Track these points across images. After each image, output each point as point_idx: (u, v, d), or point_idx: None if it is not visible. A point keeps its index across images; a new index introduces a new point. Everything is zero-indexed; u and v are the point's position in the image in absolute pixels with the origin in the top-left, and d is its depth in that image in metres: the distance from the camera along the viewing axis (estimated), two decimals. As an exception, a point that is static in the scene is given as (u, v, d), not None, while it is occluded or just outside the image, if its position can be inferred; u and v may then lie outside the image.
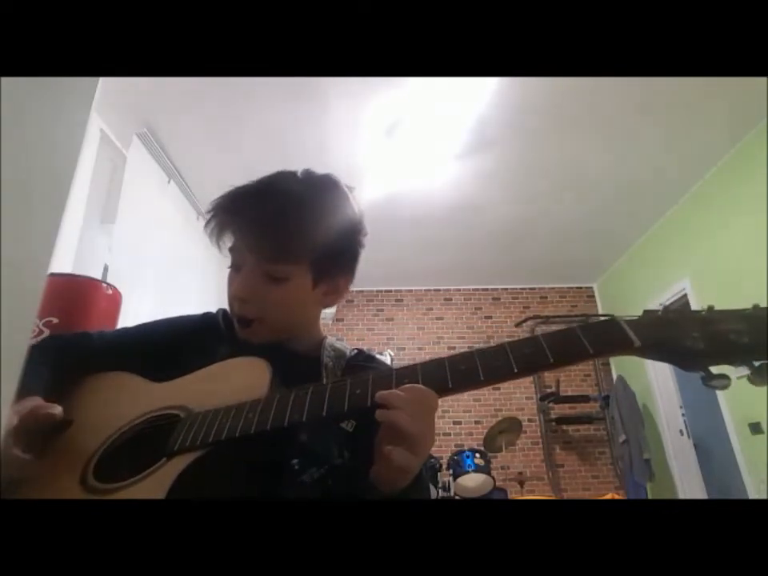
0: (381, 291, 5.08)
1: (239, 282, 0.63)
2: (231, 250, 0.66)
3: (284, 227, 0.61)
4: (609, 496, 3.85)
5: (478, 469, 3.38)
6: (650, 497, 3.90)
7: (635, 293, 4.23)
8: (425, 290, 5.10)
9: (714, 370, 0.44)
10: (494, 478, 3.40)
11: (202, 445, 0.50)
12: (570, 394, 4.60)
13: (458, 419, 4.59)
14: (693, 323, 0.44)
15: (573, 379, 4.75)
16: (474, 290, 5.11)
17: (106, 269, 2.51)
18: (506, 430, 3.66)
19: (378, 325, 4.99)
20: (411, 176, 3.28)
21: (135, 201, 2.64)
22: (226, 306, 0.71)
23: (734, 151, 3.06)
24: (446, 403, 4.59)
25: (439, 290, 5.10)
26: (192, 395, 0.58)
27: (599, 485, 4.43)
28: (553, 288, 5.13)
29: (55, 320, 1.47)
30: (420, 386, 0.47)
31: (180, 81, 2.35)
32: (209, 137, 2.85)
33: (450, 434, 4.53)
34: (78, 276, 1.84)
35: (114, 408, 0.62)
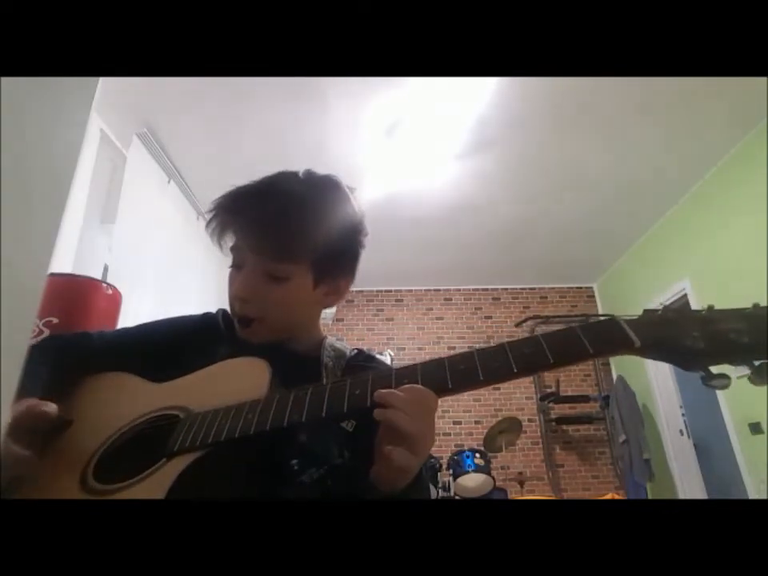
0: (381, 291, 5.08)
1: (240, 281, 0.63)
2: (232, 249, 0.66)
3: (285, 227, 0.61)
4: (609, 496, 3.85)
5: (478, 469, 3.38)
6: (650, 497, 3.90)
7: (635, 293, 4.23)
8: (425, 290, 5.10)
9: (714, 369, 0.43)
10: (494, 478, 3.40)
11: (201, 445, 0.50)
12: (569, 394, 4.60)
13: (458, 419, 4.59)
14: (693, 323, 0.44)
15: (573, 379, 4.75)
16: (473, 289, 5.11)
17: (105, 269, 2.51)
18: (505, 430, 3.66)
19: (378, 325, 4.99)
20: (411, 176, 3.28)
21: (135, 201, 2.64)
22: (226, 306, 0.71)
23: (734, 151, 3.06)
24: (446, 403, 4.59)
25: (439, 290, 5.10)
26: (192, 396, 0.58)
27: (599, 485, 4.43)
28: (553, 288, 5.13)
29: (55, 320, 1.48)
30: (419, 386, 0.47)
31: (180, 81, 2.35)
32: (209, 137, 2.85)
33: (449, 434, 4.53)
34: (78, 276, 1.84)
35: (114, 408, 0.62)
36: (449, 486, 3.51)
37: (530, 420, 4.55)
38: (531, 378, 4.70)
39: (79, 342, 0.73)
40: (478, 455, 3.47)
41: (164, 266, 2.94)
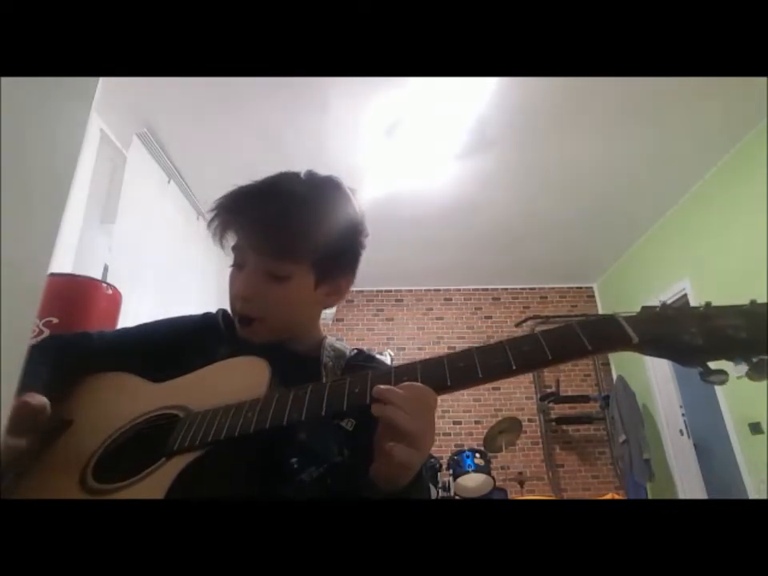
0: (381, 291, 5.08)
1: (241, 280, 0.64)
2: (234, 249, 0.66)
3: (287, 227, 0.62)
4: (609, 496, 3.85)
5: (477, 469, 3.38)
6: (650, 497, 3.90)
7: (635, 293, 4.23)
8: (425, 290, 5.10)
9: (713, 366, 0.44)
10: (494, 478, 3.40)
11: (201, 444, 0.50)
12: (570, 394, 4.60)
13: (458, 419, 4.59)
14: (691, 319, 0.44)
15: (573, 379, 4.75)
16: (474, 290, 5.11)
17: (105, 269, 2.51)
18: (506, 430, 3.66)
19: (378, 325, 4.99)
20: (411, 176, 3.28)
21: (135, 201, 2.64)
22: (226, 305, 0.71)
23: (733, 151, 3.06)
24: (446, 403, 4.59)
25: (439, 290, 5.10)
26: (191, 395, 0.58)
27: (599, 485, 4.43)
28: (553, 288, 5.13)
29: (55, 320, 1.48)
30: (418, 383, 0.47)
31: (180, 81, 2.35)
32: (209, 137, 2.85)
33: (450, 434, 4.53)
34: (78, 276, 1.84)
35: (114, 408, 0.62)
36: (449, 486, 3.50)
37: (530, 420, 4.55)
38: (531, 378, 4.70)
39: (79, 342, 0.73)
40: (478, 455, 3.47)
41: (164, 266, 2.94)
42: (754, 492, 2.92)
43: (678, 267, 3.63)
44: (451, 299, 5.09)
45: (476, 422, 4.56)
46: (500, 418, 3.87)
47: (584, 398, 4.57)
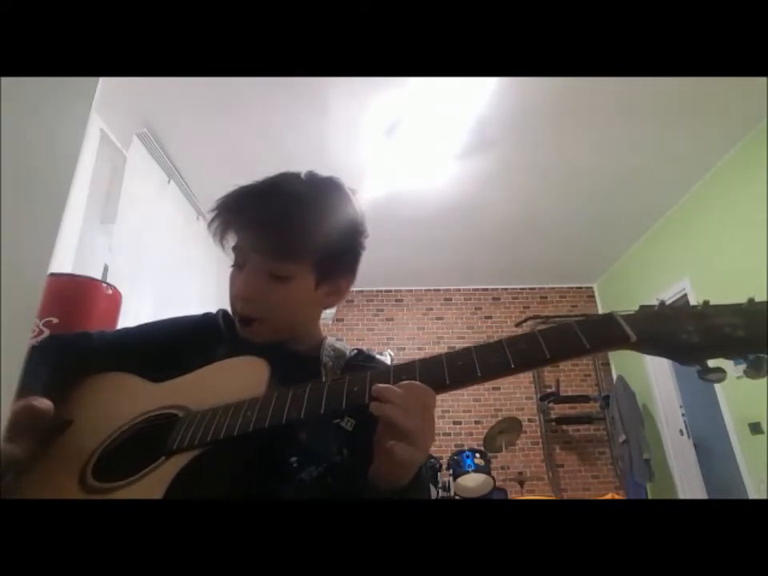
0: (381, 291, 5.08)
1: (242, 281, 0.64)
2: (234, 249, 0.66)
3: (288, 227, 0.62)
4: (609, 496, 3.85)
5: (477, 469, 3.38)
6: (650, 497, 3.90)
7: (635, 293, 4.23)
8: (425, 290, 5.10)
9: (711, 364, 0.44)
10: (494, 478, 3.40)
11: (200, 444, 0.50)
12: (570, 394, 4.61)
13: (458, 419, 4.59)
14: (688, 317, 0.44)
15: (573, 379, 4.75)
16: (473, 290, 5.11)
17: (105, 269, 2.51)
18: (506, 430, 3.66)
19: (378, 325, 4.99)
20: (411, 176, 3.28)
21: (135, 201, 2.64)
22: (226, 305, 0.71)
23: (734, 151, 3.06)
24: (446, 403, 4.60)
25: (439, 290, 5.11)
26: (191, 395, 0.58)
27: (599, 485, 4.43)
28: (553, 288, 5.13)
29: (55, 320, 1.48)
30: (416, 382, 0.47)
31: (180, 81, 2.35)
32: (209, 137, 2.85)
33: (450, 434, 4.53)
34: (78, 276, 1.84)
35: (114, 408, 0.62)
36: (449, 486, 3.50)
37: (530, 420, 4.55)
38: (531, 378, 4.71)
39: (79, 342, 0.73)
40: (478, 455, 3.47)
41: (164, 266, 2.94)
42: (754, 492, 2.93)
43: (678, 267, 3.63)
44: (451, 299, 5.09)
45: (476, 422, 4.56)
46: (500, 418, 3.88)
47: (584, 398, 4.57)
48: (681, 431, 3.83)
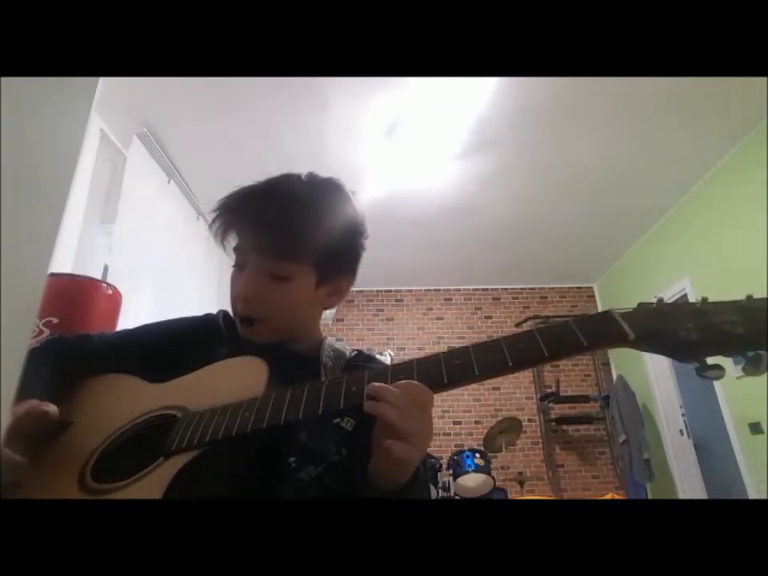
0: (381, 291, 5.08)
1: (243, 281, 0.64)
2: (235, 249, 0.66)
3: (289, 227, 0.62)
4: (609, 496, 3.85)
5: (477, 469, 3.38)
6: (650, 497, 3.90)
7: (635, 293, 4.23)
8: (425, 290, 5.10)
9: (709, 361, 0.44)
10: (494, 478, 3.40)
11: (199, 444, 0.50)
12: (570, 394, 4.60)
13: (458, 419, 4.59)
14: (687, 315, 0.44)
15: (573, 379, 4.75)
16: (473, 290, 5.11)
17: (105, 269, 2.51)
18: (506, 430, 3.66)
19: (378, 325, 4.99)
20: (411, 176, 3.27)
21: (135, 201, 2.64)
22: (226, 306, 0.71)
23: (734, 151, 3.06)
24: (446, 403, 4.60)
25: (439, 290, 5.10)
26: (190, 395, 0.58)
27: (599, 485, 4.43)
28: (553, 288, 5.13)
29: (55, 320, 1.47)
30: (413, 381, 0.47)
31: (180, 81, 2.35)
32: (209, 137, 2.85)
33: (450, 434, 4.53)
34: (78, 276, 1.84)
35: (114, 409, 0.62)
36: (449, 486, 3.50)
37: (530, 420, 4.55)
38: (531, 378, 4.70)
39: (80, 343, 0.73)
40: (478, 455, 3.47)
41: (164, 266, 2.94)
42: (754, 492, 2.93)
43: (678, 267, 3.63)
44: (451, 299, 5.09)
45: (476, 422, 4.56)
46: (500, 418, 3.87)
47: (584, 398, 4.57)
48: (681, 431, 3.83)
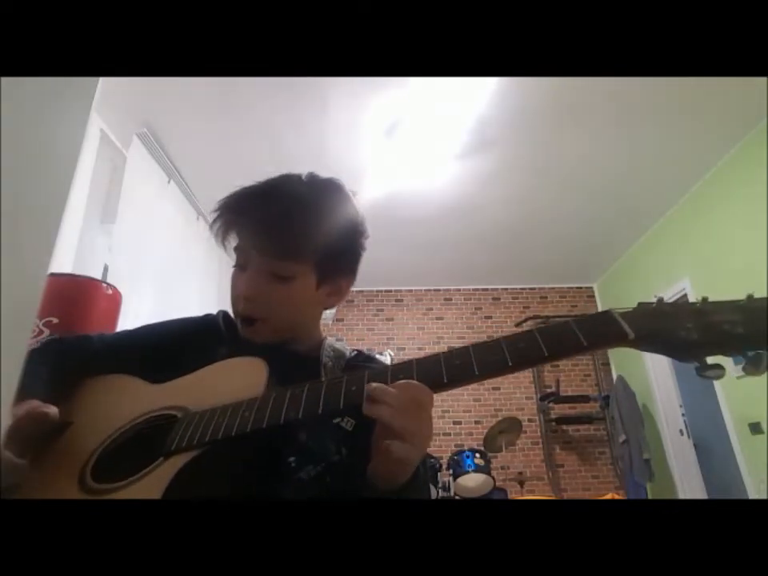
0: (381, 291, 5.08)
1: (245, 281, 0.64)
2: (236, 249, 0.66)
3: (290, 227, 0.63)
4: (609, 496, 3.85)
5: (477, 469, 3.38)
6: (650, 497, 3.90)
7: (635, 293, 4.23)
8: (425, 290, 5.10)
9: (709, 360, 0.44)
10: (494, 478, 3.40)
11: (198, 444, 0.50)
12: (570, 394, 4.60)
13: (458, 419, 4.59)
14: (687, 314, 0.44)
15: (573, 379, 4.75)
16: (474, 290, 5.11)
17: (105, 269, 2.51)
18: (505, 430, 3.66)
19: (378, 325, 4.99)
20: (411, 176, 3.27)
21: (135, 201, 2.64)
22: (226, 306, 0.71)
23: (734, 151, 3.06)
24: (446, 403, 4.59)
25: (439, 290, 5.10)
26: (190, 395, 0.58)
27: (599, 485, 4.43)
28: (553, 288, 5.13)
29: (55, 320, 1.47)
30: (412, 381, 0.47)
31: (180, 81, 2.35)
32: (209, 137, 2.85)
33: (450, 434, 4.53)
34: (78, 276, 1.84)
35: (114, 409, 0.62)
36: (449, 486, 3.50)
37: (530, 420, 4.55)
38: (531, 378, 4.70)
39: (80, 344, 0.73)
40: (478, 455, 3.47)
41: (164, 266, 2.94)
42: (754, 492, 2.93)
43: (678, 267, 3.63)
44: (451, 299, 5.09)
45: (476, 422, 4.56)
46: (500, 418, 3.87)
47: (584, 398, 4.57)
48: (681, 431, 3.83)
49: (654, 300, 0.47)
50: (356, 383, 0.49)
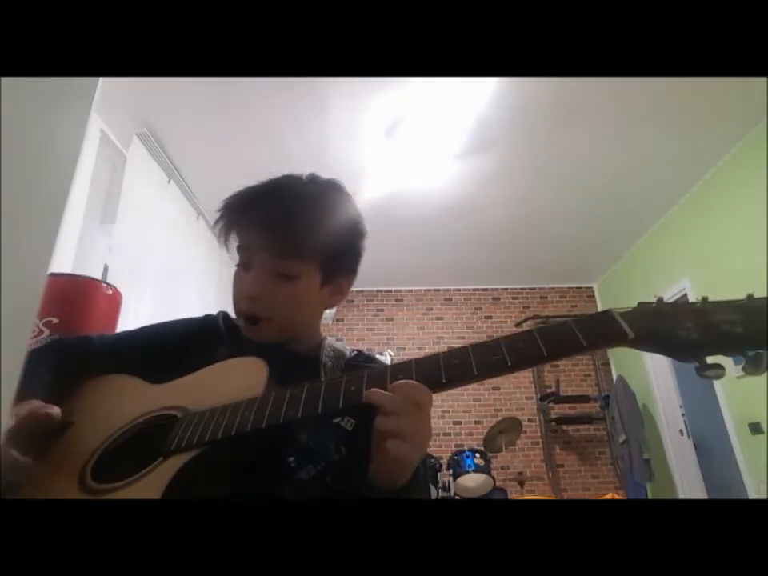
0: (381, 291, 5.08)
1: (249, 280, 0.64)
2: (239, 249, 0.67)
3: (295, 226, 0.63)
4: (609, 496, 3.85)
5: (477, 469, 3.38)
6: (650, 497, 3.90)
7: (635, 293, 4.23)
8: (425, 290, 5.10)
9: (709, 360, 0.44)
10: (494, 478, 3.40)
11: (198, 444, 0.50)
12: (570, 394, 4.60)
13: (458, 419, 4.59)
14: (687, 314, 0.44)
15: (573, 379, 4.75)
16: (474, 289, 5.11)
17: (105, 269, 2.51)
18: (505, 430, 3.66)
19: (378, 325, 4.99)
20: (411, 176, 3.27)
21: (135, 201, 2.64)
22: (226, 306, 0.71)
23: (734, 151, 3.06)
24: (446, 403, 4.59)
25: (439, 290, 5.10)
26: (190, 395, 0.58)
27: (599, 485, 4.43)
28: (553, 288, 5.13)
29: (55, 320, 1.47)
30: (411, 381, 0.47)
31: (180, 81, 2.35)
32: (209, 137, 2.85)
33: (450, 434, 4.52)
34: (78, 276, 1.84)
35: (114, 409, 0.62)
36: (449, 486, 3.50)
37: (530, 420, 4.55)
38: (531, 378, 4.70)
39: (80, 345, 0.73)
40: (478, 455, 3.47)
41: (164, 266, 2.93)
42: (754, 492, 2.92)
43: (678, 267, 3.63)
44: (451, 299, 5.09)
45: (476, 422, 4.56)
46: (500, 418, 3.87)
47: (584, 398, 4.57)
48: (681, 431, 3.83)
49: (654, 300, 0.47)
50: (355, 383, 0.49)
